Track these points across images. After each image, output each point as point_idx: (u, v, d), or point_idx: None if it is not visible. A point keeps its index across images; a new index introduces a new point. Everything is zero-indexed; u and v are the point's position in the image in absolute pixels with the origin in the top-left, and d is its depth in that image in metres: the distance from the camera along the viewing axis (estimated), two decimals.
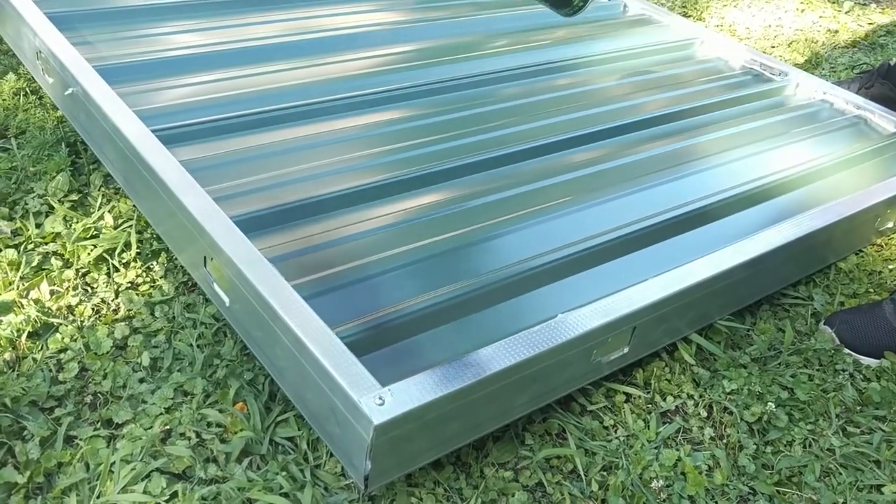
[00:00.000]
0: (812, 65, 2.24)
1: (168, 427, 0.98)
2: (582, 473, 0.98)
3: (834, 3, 2.69)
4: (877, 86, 1.83)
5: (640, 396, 1.09)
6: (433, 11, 1.92)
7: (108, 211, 1.30)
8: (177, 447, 0.95)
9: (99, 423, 0.98)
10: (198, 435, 0.97)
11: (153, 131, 1.17)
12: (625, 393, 1.09)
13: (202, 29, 1.63)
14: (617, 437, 1.03)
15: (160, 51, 1.50)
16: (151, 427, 0.97)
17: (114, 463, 0.92)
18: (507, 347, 0.90)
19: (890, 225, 1.43)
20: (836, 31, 2.46)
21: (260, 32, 1.65)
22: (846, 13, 2.61)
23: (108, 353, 1.07)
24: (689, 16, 2.51)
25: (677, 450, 1.02)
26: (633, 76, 1.77)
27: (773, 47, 2.34)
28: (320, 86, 1.50)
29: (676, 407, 1.09)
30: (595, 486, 0.97)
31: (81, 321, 1.11)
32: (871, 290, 1.34)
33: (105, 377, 1.04)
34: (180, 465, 0.93)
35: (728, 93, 1.72)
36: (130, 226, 1.27)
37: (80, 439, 0.96)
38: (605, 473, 0.99)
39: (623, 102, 1.62)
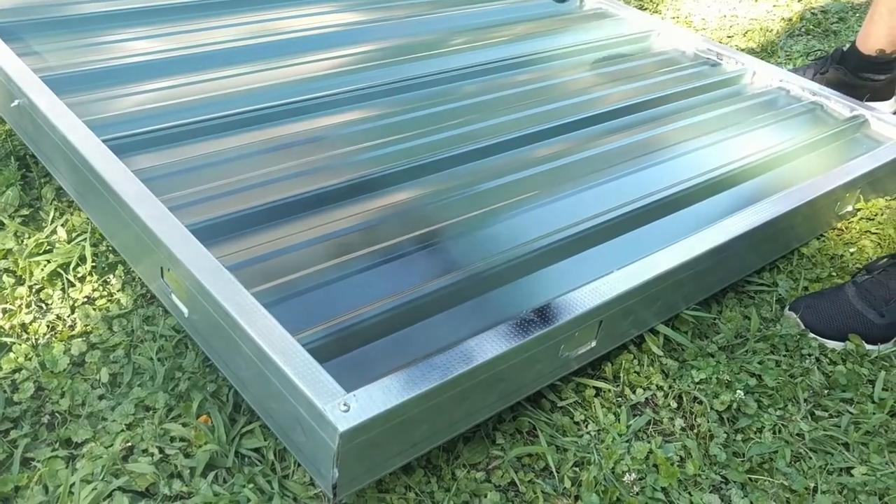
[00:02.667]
0: (768, 53, 2.26)
1: (130, 444, 0.95)
2: (554, 470, 0.98)
3: None
4: (831, 71, 1.85)
5: (609, 390, 1.09)
6: (391, 10, 1.90)
7: (62, 225, 1.27)
8: (139, 464, 0.92)
9: (57, 444, 0.95)
10: (161, 450, 0.95)
11: (104, 141, 1.14)
12: (594, 387, 1.09)
13: (153, 35, 1.60)
14: (588, 433, 1.03)
15: (110, 59, 1.47)
16: (112, 445, 0.94)
17: (73, 484, 0.89)
18: (473, 346, 0.89)
19: (849, 208, 1.44)
20: (790, 20, 2.49)
21: (213, 37, 1.62)
22: (799, 1, 2.64)
23: (65, 370, 1.04)
24: (646, 8, 2.52)
25: (649, 442, 1.02)
26: (593, 69, 1.77)
27: (730, 37, 2.36)
28: (278, 89, 1.47)
29: (646, 399, 1.09)
30: (568, 483, 0.96)
31: (36, 339, 1.08)
32: (834, 273, 1.35)
33: (63, 396, 1.00)
34: (143, 482, 0.91)
35: (686, 83, 1.73)
36: (85, 239, 1.23)
37: (38, 461, 0.93)
38: (577, 469, 0.98)
39: (583, 96, 1.61)
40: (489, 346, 0.89)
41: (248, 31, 1.68)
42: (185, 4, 1.71)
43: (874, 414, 1.09)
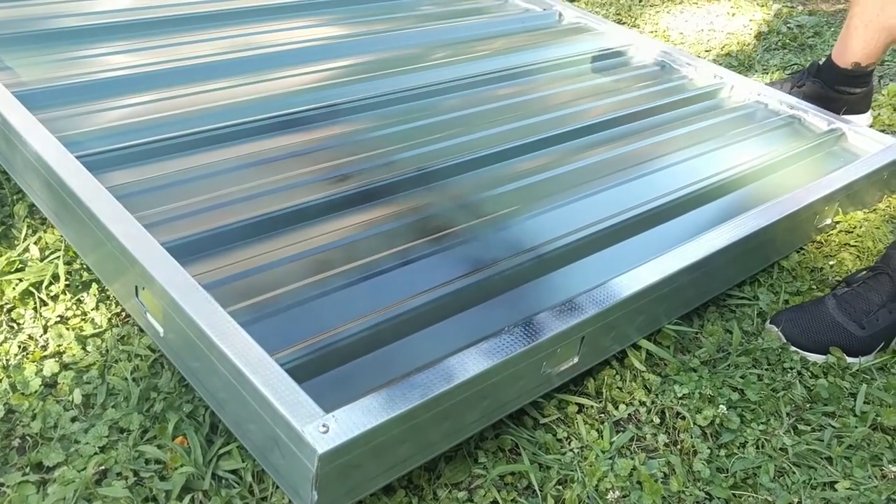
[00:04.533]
0: (745, 67, 2.28)
1: (103, 467, 0.93)
2: (537, 489, 0.96)
3: (763, 6, 2.75)
4: (808, 84, 1.87)
5: (592, 406, 1.08)
6: (371, 25, 1.90)
7: (34, 242, 1.24)
8: (113, 488, 0.90)
9: (28, 468, 0.92)
10: (135, 473, 0.92)
11: (78, 157, 1.12)
12: (577, 403, 1.08)
13: (130, 50, 1.58)
14: (571, 450, 1.02)
15: (84, 73, 1.45)
16: (85, 468, 0.92)
17: None
18: (455, 364, 0.88)
19: (828, 221, 1.45)
20: (767, 34, 2.51)
21: (190, 52, 1.60)
22: (775, 16, 2.67)
23: (36, 392, 1.01)
24: (624, 23, 2.54)
25: (632, 459, 1.01)
26: (573, 83, 1.77)
27: (707, 51, 2.38)
28: (256, 104, 1.46)
29: (629, 415, 1.08)
30: (551, 502, 0.95)
31: (7, 360, 1.06)
32: (814, 286, 1.35)
33: (34, 418, 0.98)
34: None
35: (665, 97, 1.73)
36: (58, 257, 1.21)
37: (8, 486, 0.90)
38: (560, 487, 0.97)
39: (563, 110, 1.61)
40: (471, 363, 0.88)
41: (227, 45, 1.66)
42: (161, 19, 1.69)
43: (856, 427, 1.09)
